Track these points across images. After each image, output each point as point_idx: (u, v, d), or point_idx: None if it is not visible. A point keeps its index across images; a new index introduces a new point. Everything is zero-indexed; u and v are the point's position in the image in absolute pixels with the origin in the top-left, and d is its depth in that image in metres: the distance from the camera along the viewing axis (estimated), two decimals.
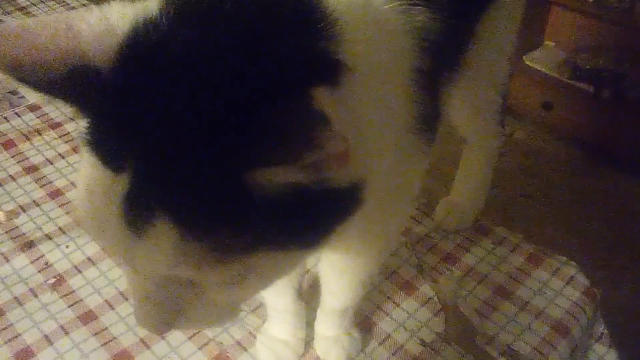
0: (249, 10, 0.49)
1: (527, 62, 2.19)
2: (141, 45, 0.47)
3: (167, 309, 0.52)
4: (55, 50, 0.46)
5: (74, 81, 0.47)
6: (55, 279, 0.95)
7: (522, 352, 0.88)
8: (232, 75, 0.45)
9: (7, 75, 0.47)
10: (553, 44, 2.27)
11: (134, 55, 0.47)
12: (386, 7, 0.58)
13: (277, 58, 0.46)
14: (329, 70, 0.48)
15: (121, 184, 0.46)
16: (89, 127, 0.50)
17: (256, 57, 0.45)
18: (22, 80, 0.47)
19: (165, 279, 0.50)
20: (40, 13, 1.57)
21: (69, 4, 1.60)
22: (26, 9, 1.58)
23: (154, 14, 0.49)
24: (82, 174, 0.50)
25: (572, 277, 0.99)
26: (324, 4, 0.52)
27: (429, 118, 0.63)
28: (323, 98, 0.43)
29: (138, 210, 0.46)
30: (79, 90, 0.47)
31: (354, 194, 0.51)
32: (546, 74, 2.17)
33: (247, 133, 0.42)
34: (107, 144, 0.48)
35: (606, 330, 0.99)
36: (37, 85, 0.48)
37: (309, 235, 0.51)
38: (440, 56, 0.63)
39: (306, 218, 0.49)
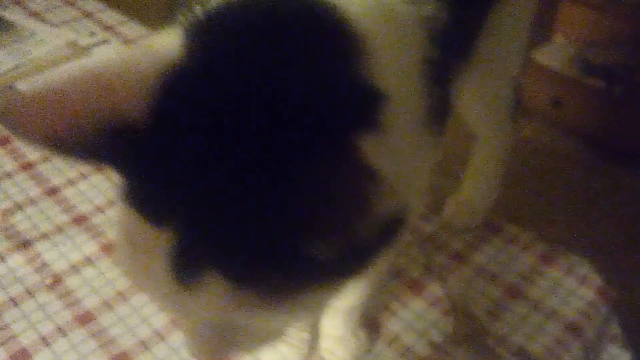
0: (276, 41, 0.46)
1: (536, 57, 2.17)
2: (174, 95, 0.45)
3: (218, 342, 0.52)
4: (89, 111, 0.43)
5: (109, 142, 0.44)
6: (52, 279, 0.93)
7: (534, 353, 0.87)
8: (268, 127, 0.43)
9: (39, 147, 0.44)
10: (562, 38, 2.25)
11: (168, 108, 0.45)
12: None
13: (312, 103, 0.43)
14: (371, 107, 0.45)
15: (165, 239, 0.45)
16: (126, 184, 0.48)
17: (293, 102, 0.43)
18: (55, 149, 0.44)
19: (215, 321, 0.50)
20: (35, 5, 1.55)
21: None
22: (22, 3, 1.56)
23: (179, 56, 0.46)
24: (120, 220, 0.49)
25: (585, 276, 0.97)
26: (349, 16, 0.49)
27: (439, 110, 0.61)
28: (369, 146, 0.41)
29: (185, 265, 0.45)
30: (115, 150, 0.45)
31: (399, 219, 0.50)
32: (555, 69, 2.14)
33: (289, 200, 0.41)
34: (147, 201, 0.46)
35: (621, 331, 0.97)
36: (71, 151, 0.45)
37: (359, 267, 0.51)
38: (450, 46, 0.62)
39: (356, 253, 0.48)
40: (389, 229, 0.48)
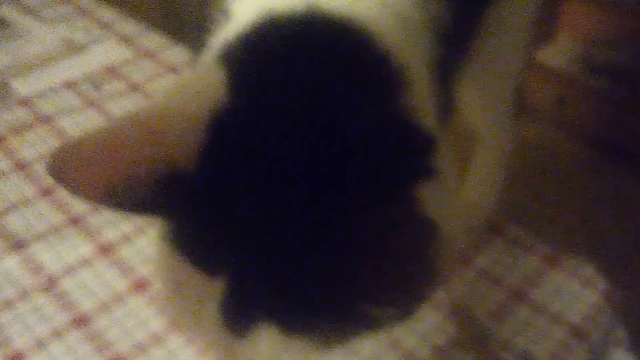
0: (321, 82, 0.45)
1: (539, 56, 2.16)
2: (223, 141, 0.44)
3: None
4: (141, 159, 0.42)
5: (160, 190, 0.43)
6: (47, 281, 0.92)
7: (538, 357, 0.86)
8: (322, 181, 0.41)
9: (92, 202, 0.43)
10: (566, 37, 2.24)
11: (218, 155, 0.43)
12: (405, 5, 0.55)
13: (369, 154, 0.42)
14: (425, 153, 0.44)
15: (215, 287, 0.44)
16: (173, 230, 0.46)
17: (347, 152, 0.42)
18: (108, 202, 0.43)
19: None
20: (30, 2, 1.54)
21: None
22: (17, 0, 1.54)
23: (223, 96, 0.44)
24: (165, 267, 0.48)
25: (590, 278, 0.96)
26: (387, 42, 0.48)
27: (441, 108, 0.60)
28: (426, 195, 0.40)
29: (237, 313, 0.45)
30: (165, 198, 0.44)
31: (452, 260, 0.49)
32: (559, 68, 2.13)
33: (343, 254, 0.40)
34: (197, 249, 0.45)
35: (626, 335, 0.95)
36: (123, 203, 0.44)
37: (413, 312, 0.50)
38: (452, 45, 0.61)
39: (412, 303, 0.47)
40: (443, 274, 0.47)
